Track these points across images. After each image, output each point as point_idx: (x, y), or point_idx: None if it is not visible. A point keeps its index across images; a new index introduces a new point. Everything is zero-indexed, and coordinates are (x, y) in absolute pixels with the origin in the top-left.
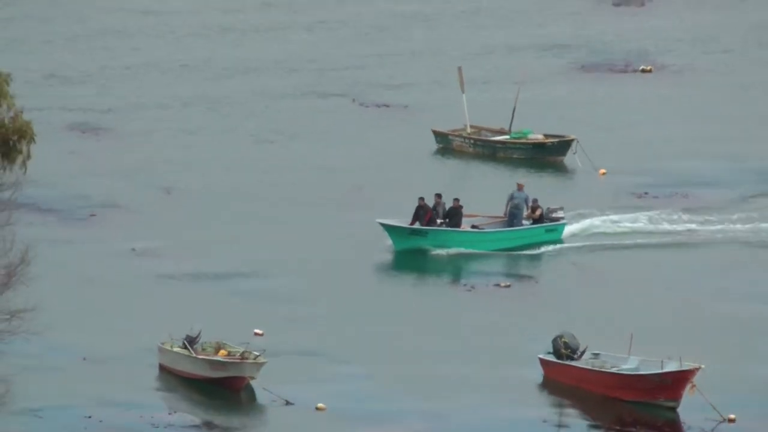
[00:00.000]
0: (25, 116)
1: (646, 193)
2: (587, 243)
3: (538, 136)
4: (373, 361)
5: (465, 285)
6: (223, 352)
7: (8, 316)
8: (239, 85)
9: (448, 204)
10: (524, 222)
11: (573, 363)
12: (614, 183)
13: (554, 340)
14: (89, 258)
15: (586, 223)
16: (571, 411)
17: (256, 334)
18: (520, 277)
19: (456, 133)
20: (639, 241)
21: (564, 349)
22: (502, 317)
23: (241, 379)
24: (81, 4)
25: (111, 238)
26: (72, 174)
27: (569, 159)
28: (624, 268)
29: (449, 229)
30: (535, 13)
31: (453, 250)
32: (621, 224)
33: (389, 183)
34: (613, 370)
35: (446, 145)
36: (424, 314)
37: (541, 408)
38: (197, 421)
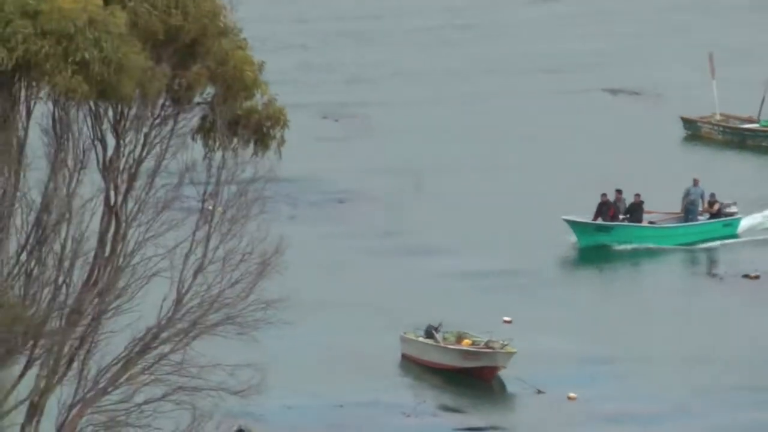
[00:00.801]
0: (278, 103)
1: None
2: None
3: None
4: (625, 354)
5: (713, 275)
6: (467, 341)
7: (264, 305)
8: (487, 82)
9: (629, 200)
10: (699, 217)
11: None
12: None
13: None
14: (335, 247)
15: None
16: None
17: (505, 321)
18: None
19: (705, 120)
20: None
21: None
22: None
23: (494, 368)
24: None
25: (357, 227)
26: (319, 163)
27: None
28: None
29: (633, 224)
30: None
31: (636, 246)
32: None
33: (637, 170)
34: None
35: (695, 132)
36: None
37: None
38: (447, 411)
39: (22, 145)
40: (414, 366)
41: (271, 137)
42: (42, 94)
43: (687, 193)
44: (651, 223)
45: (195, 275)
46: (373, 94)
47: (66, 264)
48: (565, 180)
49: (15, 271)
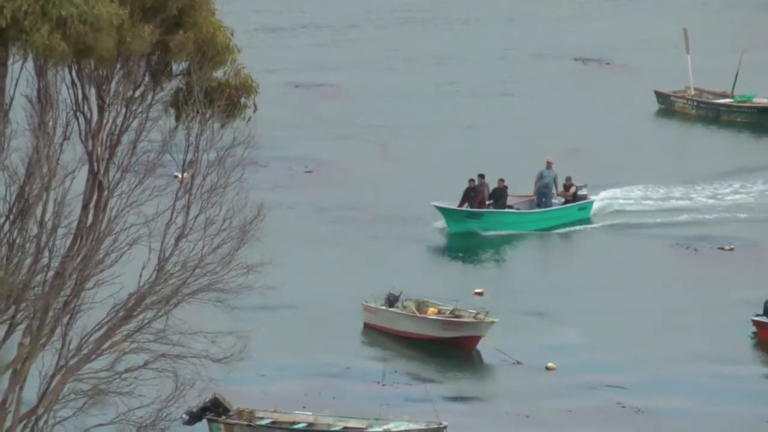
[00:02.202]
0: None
1: None
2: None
3: (762, 101)
4: (594, 321)
5: (688, 248)
6: (432, 310)
7: (245, 270)
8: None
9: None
10: (554, 201)
11: None
12: None
13: (766, 302)
14: (305, 214)
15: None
16: None
17: (475, 293)
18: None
19: (678, 95)
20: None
21: None
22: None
23: (476, 338)
24: None
25: (325, 194)
26: (287, 129)
27: None
28: None
29: (501, 210)
30: None
31: (503, 232)
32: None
33: (608, 143)
34: None
35: (668, 106)
36: (644, 272)
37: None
38: (421, 380)
39: (5, 112)
40: (382, 335)
41: (243, 106)
42: (21, 56)
43: (540, 176)
44: (509, 207)
45: (177, 242)
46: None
47: (47, 232)
48: (529, 150)
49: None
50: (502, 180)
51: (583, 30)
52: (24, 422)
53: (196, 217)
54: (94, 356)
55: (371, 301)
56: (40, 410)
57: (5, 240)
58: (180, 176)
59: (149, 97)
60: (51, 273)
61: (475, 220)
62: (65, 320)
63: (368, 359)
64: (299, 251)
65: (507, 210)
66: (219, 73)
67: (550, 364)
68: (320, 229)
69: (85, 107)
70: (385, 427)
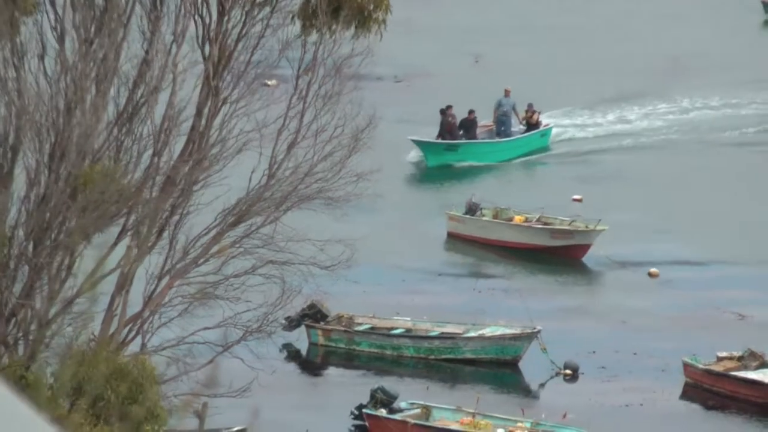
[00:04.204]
0: None
1: None
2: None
3: None
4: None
5: None
6: (519, 218)
7: (355, 178)
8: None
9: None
10: (513, 129)
11: None
12: None
13: None
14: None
15: None
16: None
17: (574, 200)
18: None
19: None
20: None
21: None
22: None
23: (586, 246)
24: None
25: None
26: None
27: None
28: None
29: (475, 141)
30: None
31: (478, 164)
32: None
33: (712, 57)
34: None
35: None
36: None
37: None
38: (518, 289)
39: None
40: (466, 244)
41: (373, 20)
42: None
43: (498, 105)
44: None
45: (288, 149)
46: None
47: (162, 134)
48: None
49: (109, 142)
50: (472, 111)
51: None
52: (129, 326)
53: (309, 125)
54: (201, 260)
55: (454, 210)
56: (146, 313)
57: (114, 143)
58: (270, 84)
59: (273, 3)
60: (161, 177)
61: (453, 153)
62: (173, 223)
63: (457, 267)
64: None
65: (482, 141)
66: None
67: (653, 270)
68: None
69: (204, 10)
70: (481, 332)
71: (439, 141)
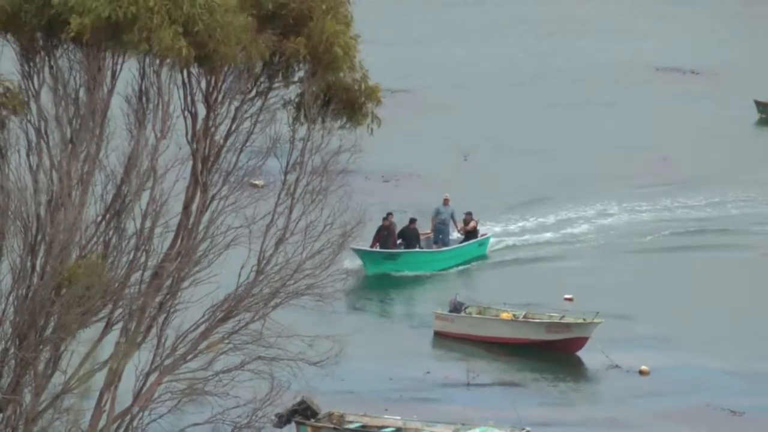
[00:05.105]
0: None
1: None
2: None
3: None
4: (683, 325)
5: None
6: (506, 315)
7: (344, 276)
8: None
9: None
10: (451, 238)
11: None
12: None
13: None
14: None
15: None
16: None
17: (566, 299)
18: None
19: None
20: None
21: None
22: None
23: (584, 339)
24: None
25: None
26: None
27: None
28: None
29: (416, 251)
30: None
31: (418, 273)
32: None
33: (704, 155)
34: None
35: None
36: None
37: None
38: (504, 385)
39: (105, 111)
40: (452, 342)
41: (364, 114)
42: (133, 55)
43: (437, 213)
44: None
45: (277, 245)
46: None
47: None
48: (626, 159)
49: (94, 240)
50: (414, 220)
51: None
52: (118, 422)
53: (297, 221)
54: (190, 356)
55: (439, 309)
56: (135, 409)
57: (101, 239)
58: (258, 184)
59: (261, 100)
60: (148, 273)
61: (392, 262)
62: (161, 320)
63: (445, 364)
64: None
65: (421, 250)
66: (347, 80)
67: (644, 368)
68: None
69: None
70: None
71: (378, 250)
